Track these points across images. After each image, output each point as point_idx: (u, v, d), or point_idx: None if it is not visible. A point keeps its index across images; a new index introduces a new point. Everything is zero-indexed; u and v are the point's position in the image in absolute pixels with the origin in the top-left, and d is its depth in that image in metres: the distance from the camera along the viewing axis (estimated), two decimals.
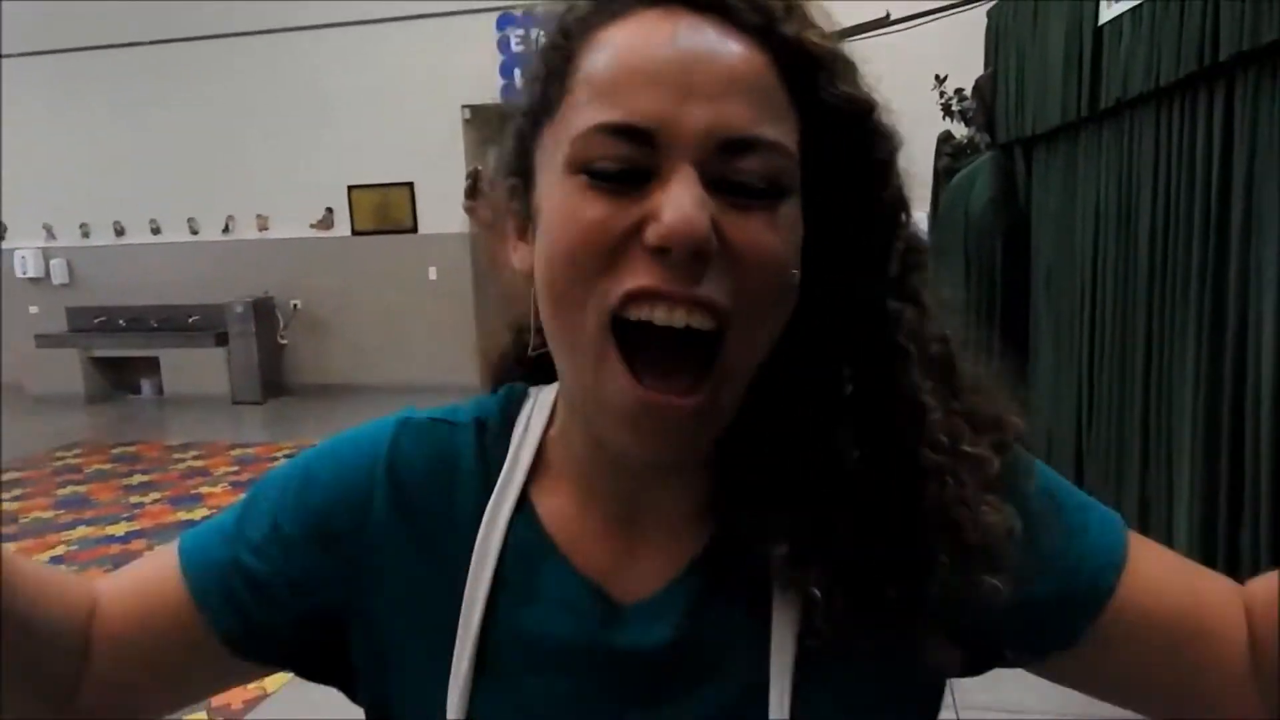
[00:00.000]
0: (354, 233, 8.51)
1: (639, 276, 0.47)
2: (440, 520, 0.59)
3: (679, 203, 0.45)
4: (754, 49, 0.49)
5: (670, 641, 0.54)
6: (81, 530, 4.92)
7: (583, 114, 0.48)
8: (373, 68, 8.14)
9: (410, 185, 8.28)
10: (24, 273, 9.20)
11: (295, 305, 8.67)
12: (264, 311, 8.49)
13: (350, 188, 8.41)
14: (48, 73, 8.96)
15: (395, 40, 8.05)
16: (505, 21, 7.83)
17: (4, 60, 8.89)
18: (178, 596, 0.60)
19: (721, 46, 0.48)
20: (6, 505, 5.47)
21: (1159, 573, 0.57)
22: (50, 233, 9.24)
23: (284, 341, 8.70)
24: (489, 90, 7.96)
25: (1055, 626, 0.55)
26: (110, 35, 8.76)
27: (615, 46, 0.49)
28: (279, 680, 3.15)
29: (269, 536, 0.60)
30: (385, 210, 8.39)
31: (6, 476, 6.13)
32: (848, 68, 0.51)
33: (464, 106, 7.98)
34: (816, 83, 0.49)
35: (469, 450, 0.60)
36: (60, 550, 4.60)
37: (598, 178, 0.47)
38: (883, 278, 0.52)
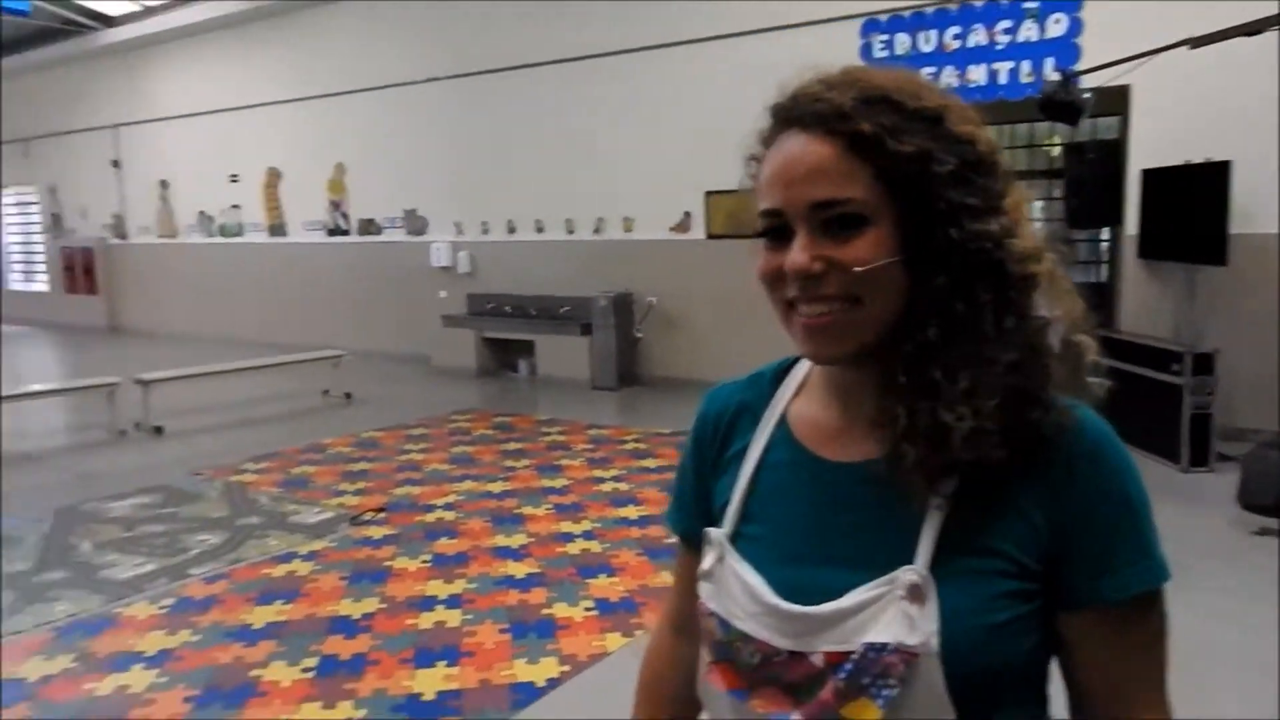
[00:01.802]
0: (709, 236, 8.96)
1: (790, 291, 0.83)
2: (745, 422, 1.01)
3: (792, 253, 0.81)
4: (828, 141, 0.80)
5: (862, 471, 0.86)
6: (468, 484, 5.74)
7: (758, 201, 0.85)
8: (734, 78, 8.49)
9: None
10: (438, 262, 10.87)
11: (651, 302, 9.32)
12: (623, 306, 9.23)
13: (707, 193, 8.86)
14: (458, 95, 10.49)
15: (757, 51, 8.33)
16: (870, 28, 7.77)
17: (426, 84, 10.57)
18: (680, 552, 1.09)
19: (809, 147, 0.80)
20: (414, 455, 6.54)
21: (1126, 653, 0.83)
22: (459, 229, 10.82)
23: (639, 335, 9.40)
24: None
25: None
26: (507, 59, 10.06)
27: (768, 160, 0.85)
28: (618, 642, 3.46)
29: (684, 464, 1.08)
30: (739, 216, 8.70)
31: (415, 431, 7.33)
32: (904, 124, 0.80)
33: None
34: (878, 147, 0.79)
35: (760, 386, 1.03)
36: (451, 498, 5.41)
37: (766, 237, 0.85)
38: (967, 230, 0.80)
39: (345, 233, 11.99)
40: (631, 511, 5.12)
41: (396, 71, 11.07)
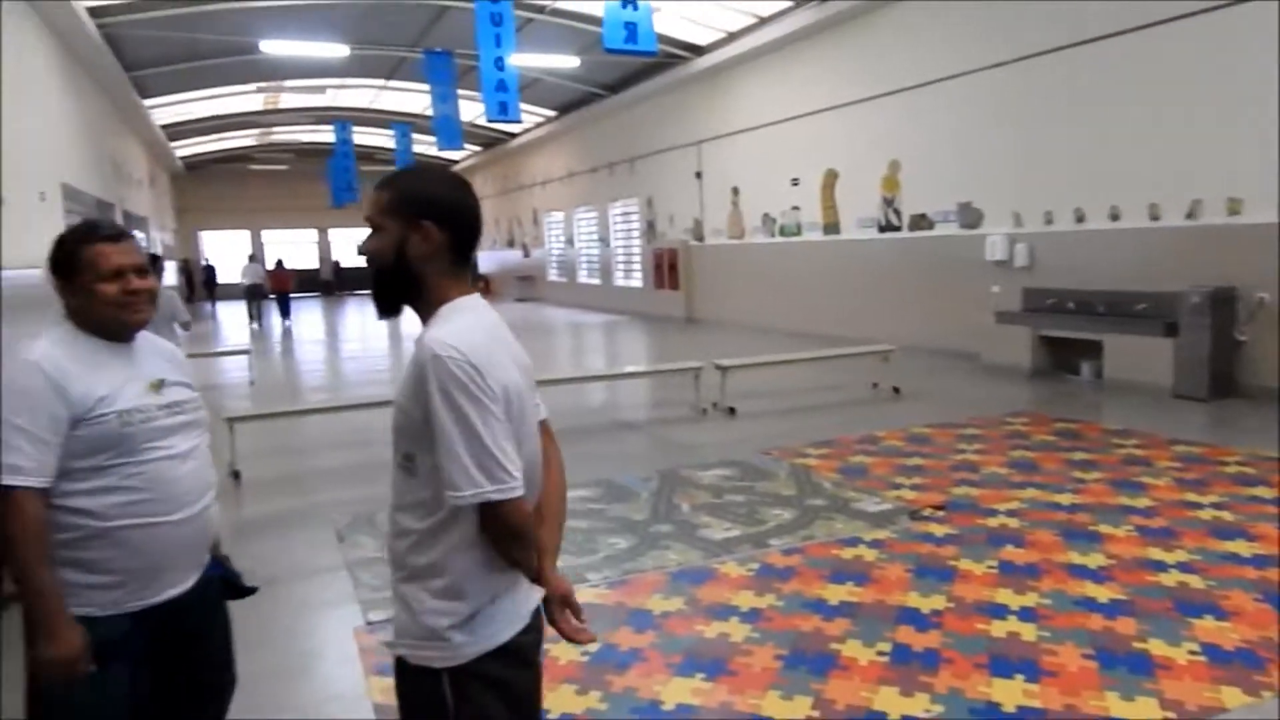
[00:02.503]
0: None
1: None
2: None
3: None
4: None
5: None
6: (1031, 492, 5.40)
7: None
8: None
9: None
10: (992, 256, 10.41)
11: (1263, 299, 7.78)
12: (1222, 303, 7.85)
13: None
14: (1017, 79, 9.83)
15: None
16: None
17: (983, 72, 10.10)
18: None
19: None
20: (969, 455, 6.37)
21: None
22: (1017, 220, 10.21)
23: (1242, 338, 7.92)
24: None
25: None
26: (1070, 35, 9.15)
27: None
28: (1237, 698, 2.95)
29: None
30: None
31: (968, 431, 7.13)
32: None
33: None
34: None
35: None
36: (1013, 505, 5.14)
37: None
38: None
39: (897, 228, 12.14)
40: (1242, 547, 4.33)
41: (950, 64, 10.86)
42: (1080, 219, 9.46)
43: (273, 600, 4.01)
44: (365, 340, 17.69)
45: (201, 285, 30.90)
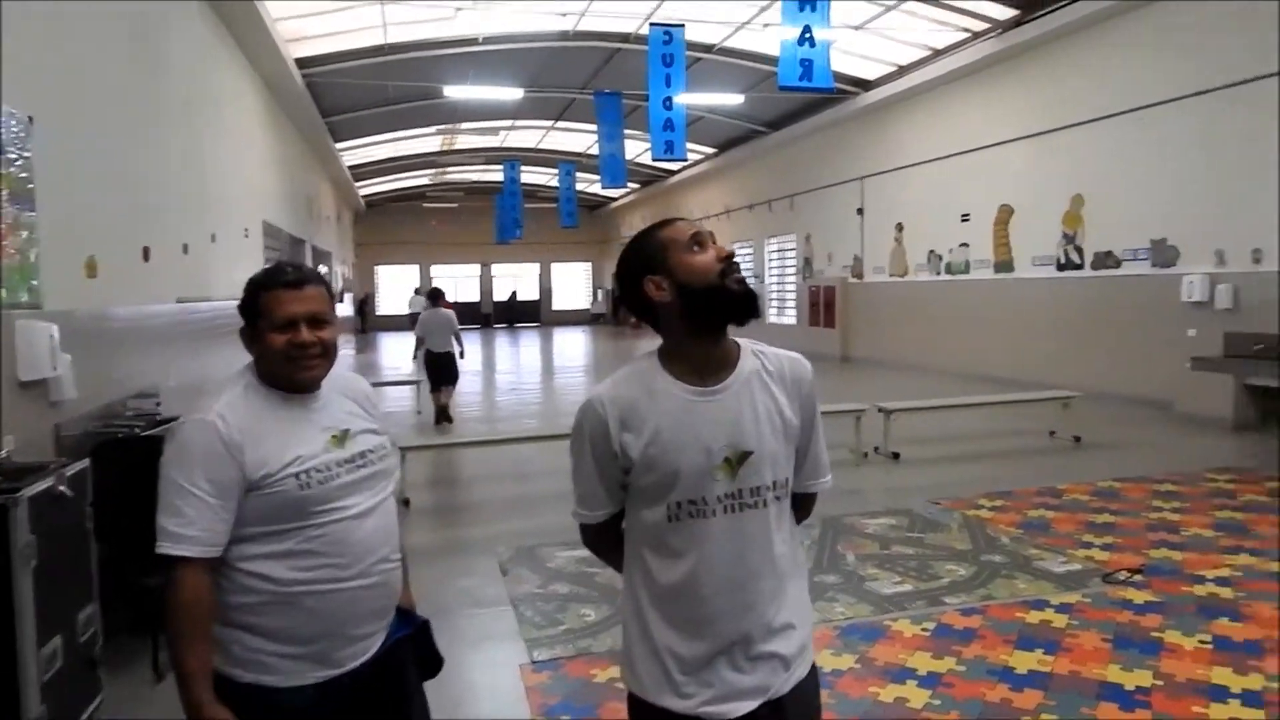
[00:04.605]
0: None
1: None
2: None
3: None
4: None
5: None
6: (1244, 558, 4.85)
7: None
8: None
9: None
10: (1189, 297, 9.59)
11: None
12: None
13: None
14: (1219, 107, 9.04)
15: None
16: None
17: (1177, 102, 9.36)
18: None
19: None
20: (1167, 514, 5.82)
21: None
22: (1220, 258, 9.38)
23: None
24: None
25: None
26: (1270, 64, 8.35)
27: None
28: None
29: None
30: None
31: (1164, 487, 6.53)
32: None
33: None
34: None
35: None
36: (1224, 572, 4.63)
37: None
38: None
39: (1078, 266, 11.41)
40: None
41: (1142, 93, 10.18)
42: None
43: (439, 633, 4.11)
44: (521, 373, 18.25)
45: (355, 314, 32.35)
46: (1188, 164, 9.69)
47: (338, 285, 22.71)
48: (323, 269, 19.06)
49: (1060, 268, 11.70)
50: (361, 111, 17.63)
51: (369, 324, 32.66)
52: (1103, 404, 9.95)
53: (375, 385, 13.78)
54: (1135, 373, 10.30)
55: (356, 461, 1.84)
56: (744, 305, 1.60)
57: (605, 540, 1.76)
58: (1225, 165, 9.25)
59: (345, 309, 27.05)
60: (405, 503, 6.58)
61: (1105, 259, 10.95)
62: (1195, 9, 9.48)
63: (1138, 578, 4.60)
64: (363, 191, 29.02)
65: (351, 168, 23.41)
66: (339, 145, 19.57)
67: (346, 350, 22.67)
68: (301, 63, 13.26)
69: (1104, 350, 10.87)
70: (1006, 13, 11.97)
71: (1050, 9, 11.21)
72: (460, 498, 7.33)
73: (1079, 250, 11.37)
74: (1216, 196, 9.37)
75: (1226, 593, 4.35)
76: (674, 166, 24.06)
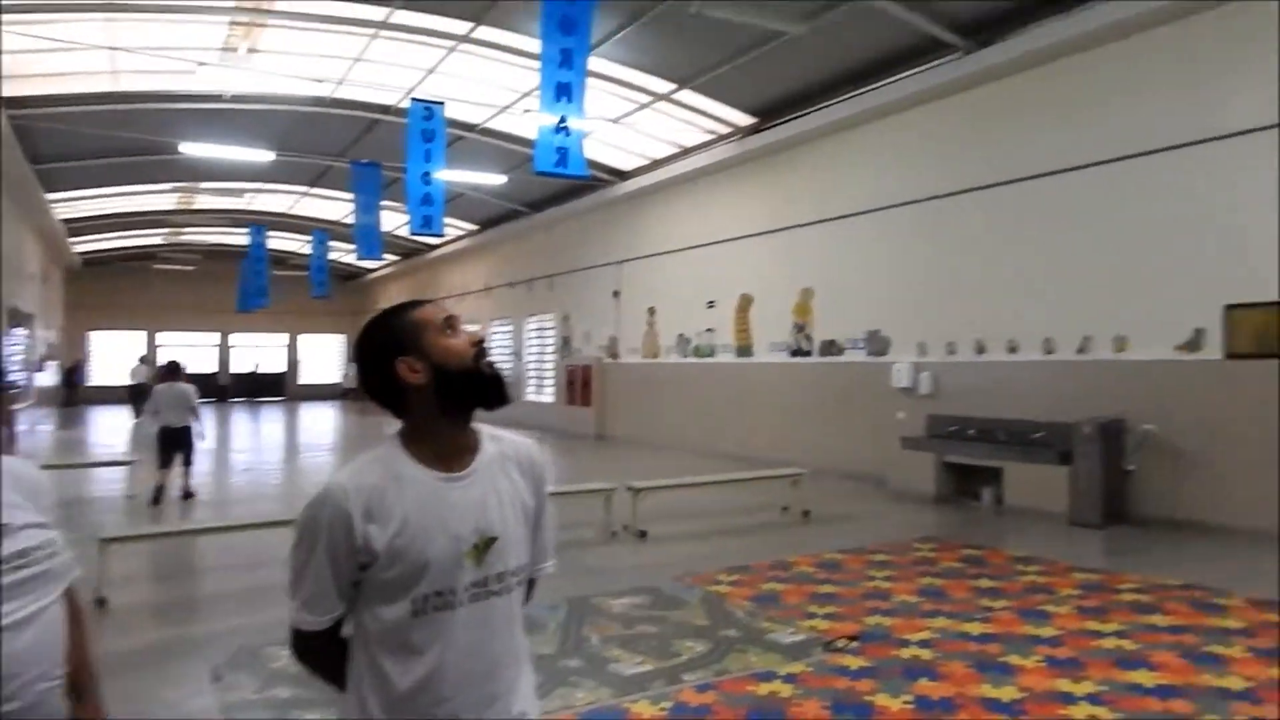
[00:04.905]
0: (1228, 356, 7.68)
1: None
2: None
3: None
4: None
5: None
6: (941, 621, 5.39)
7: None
8: (1257, 175, 7.33)
9: None
10: (898, 383, 10.75)
11: (1148, 430, 8.18)
12: (1112, 434, 8.23)
13: (1228, 307, 7.64)
14: (923, 216, 10.46)
15: None
16: None
17: (892, 209, 10.71)
18: None
19: None
20: (880, 583, 6.36)
21: None
22: (922, 349, 10.63)
23: (1131, 468, 8.28)
24: None
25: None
26: (974, 179, 9.82)
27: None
28: None
29: None
30: (1272, 331, 7.36)
31: (878, 557, 7.16)
32: None
33: None
34: None
35: None
36: (925, 635, 5.11)
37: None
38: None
39: (808, 353, 12.47)
40: (1145, 677, 4.38)
41: (861, 201, 11.47)
42: (981, 350, 9.90)
43: None
44: (259, 452, 16.96)
45: (62, 385, 28.25)
46: (896, 265, 10.99)
47: (38, 352, 20.05)
48: (20, 333, 16.80)
49: (793, 354, 12.74)
50: (84, 161, 16.00)
51: (78, 396, 29.00)
52: (830, 480, 10.82)
53: (83, 466, 12.24)
54: (856, 451, 11.32)
55: (15, 561, 1.60)
56: (497, 390, 1.60)
57: (329, 650, 1.60)
58: (924, 268, 10.58)
59: (49, 378, 23.90)
60: (100, 602, 5.80)
61: (830, 347, 12.07)
62: (897, 130, 10.90)
63: (854, 645, 4.96)
64: (81, 248, 26.14)
65: (67, 221, 21.06)
66: (51, 196, 17.57)
67: (44, 426, 19.95)
68: (13, 102, 11.87)
69: (831, 430, 11.88)
70: (746, 119, 13.13)
71: (783, 120, 12.43)
72: (176, 593, 6.58)
73: (808, 338, 12.46)
74: (918, 295, 10.66)
75: (927, 654, 4.79)
76: (435, 241, 23.83)
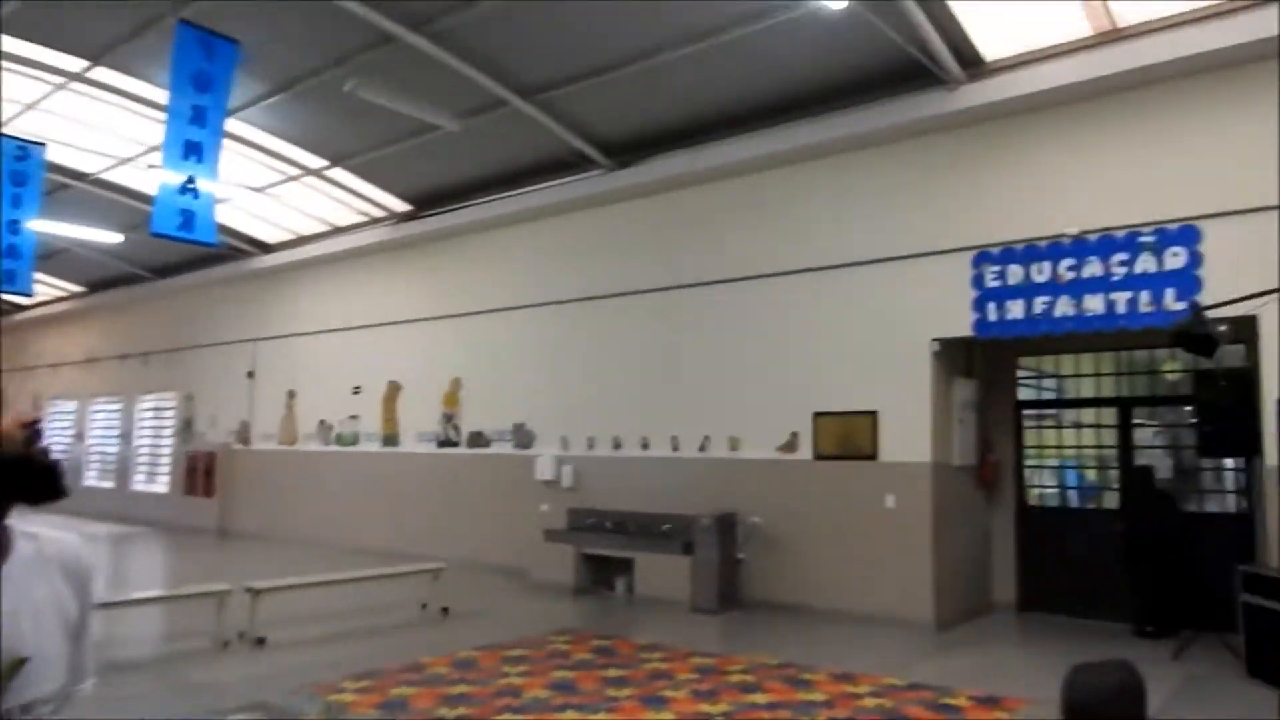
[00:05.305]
0: (816, 457, 8.86)
1: None
2: None
3: None
4: None
5: None
6: (569, 715, 5.45)
7: None
8: (848, 304, 8.72)
9: (874, 414, 8.47)
10: (542, 475, 10.99)
11: (755, 522, 9.12)
12: (726, 526, 9.05)
13: (816, 414, 8.85)
14: (569, 317, 11.05)
15: (870, 279, 8.58)
16: (981, 259, 7.94)
17: (539, 307, 11.20)
18: None
19: None
20: (514, 679, 6.31)
21: None
22: (565, 443, 11.01)
23: (741, 556, 9.14)
24: (960, 324, 8.05)
25: None
26: (614, 286, 10.62)
27: None
28: None
29: None
30: (848, 436, 8.64)
31: (514, 652, 7.11)
32: None
33: (934, 340, 8.11)
34: None
35: None
36: None
37: None
38: None
39: (455, 444, 12.35)
40: None
41: (507, 297, 11.82)
42: (618, 445, 10.48)
43: None
44: None
45: None
46: (542, 360, 11.37)
47: None
48: None
49: (441, 444, 12.54)
50: None
51: None
52: (474, 573, 10.66)
53: None
54: (501, 544, 11.31)
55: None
56: (50, 482, 1.38)
57: None
58: (567, 365, 11.06)
59: None
60: None
61: (478, 438, 12.07)
62: (547, 233, 11.45)
63: None
64: None
65: None
66: None
67: None
68: None
69: (477, 522, 11.78)
70: (402, 205, 13.02)
71: (437, 211, 12.52)
72: None
73: (457, 429, 12.37)
74: (562, 389, 11.09)
75: None
76: (26, 301, 20.39)
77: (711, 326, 9.75)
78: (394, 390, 13.36)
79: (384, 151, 11.30)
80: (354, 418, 13.92)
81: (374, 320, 13.70)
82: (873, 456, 8.46)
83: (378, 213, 13.39)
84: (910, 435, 8.21)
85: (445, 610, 8.66)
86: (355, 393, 13.89)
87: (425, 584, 8.94)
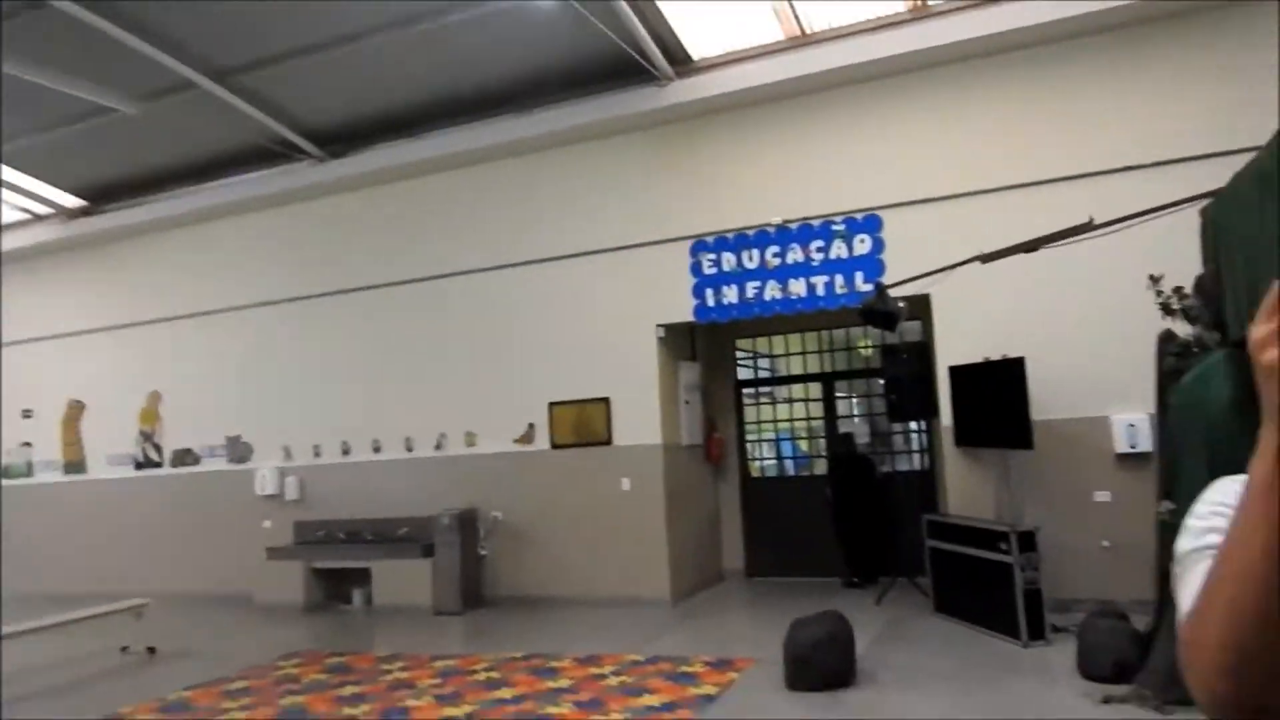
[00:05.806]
0: (553, 446, 8.90)
1: None
2: None
3: None
4: None
5: None
6: None
7: None
8: (576, 294, 8.83)
9: (606, 400, 8.66)
10: (263, 490, 10.15)
11: (495, 517, 9.01)
12: (467, 523, 8.86)
13: (551, 404, 8.90)
14: (285, 318, 10.30)
15: (597, 268, 8.74)
16: (698, 248, 8.36)
17: (251, 309, 10.35)
18: None
19: None
20: (236, 715, 5.74)
21: None
22: (287, 453, 10.23)
23: (484, 553, 8.99)
24: (682, 311, 8.44)
25: None
26: (334, 283, 10.06)
27: None
28: None
29: None
30: (583, 424, 8.77)
31: (236, 685, 6.49)
32: None
33: (659, 326, 8.43)
34: None
35: None
36: None
37: None
38: None
39: (157, 465, 11.06)
40: None
41: (213, 299, 10.79)
42: (346, 451, 9.91)
43: None
44: None
45: None
46: (256, 367, 10.47)
47: None
48: None
49: (139, 466, 11.19)
50: None
51: None
52: (187, 606, 9.62)
53: None
54: (219, 570, 10.29)
55: None
56: None
57: None
58: (287, 371, 10.28)
59: None
60: None
61: (185, 456, 10.91)
62: (253, 228, 10.56)
63: None
64: None
65: None
66: None
67: None
68: None
69: (188, 550, 10.64)
70: (73, 201, 11.43)
71: (118, 206, 11.12)
72: None
73: (158, 447, 11.09)
74: (281, 397, 10.29)
75: None
76: None
77: (441, 321, 9.49)
78: (76, 410, 11.71)
79: (44, 138, 9.82)
80: (26, 445, 12.05)
81: (45, 332, 11.92)
82: (607, 442, 8.65)
83: (42, 209, 11.65)
84: (641, 419, 8.49)
85: (152, 650, 7.74)
86: (25, 417, 12.03)
87: (127, 624, 7.93)
